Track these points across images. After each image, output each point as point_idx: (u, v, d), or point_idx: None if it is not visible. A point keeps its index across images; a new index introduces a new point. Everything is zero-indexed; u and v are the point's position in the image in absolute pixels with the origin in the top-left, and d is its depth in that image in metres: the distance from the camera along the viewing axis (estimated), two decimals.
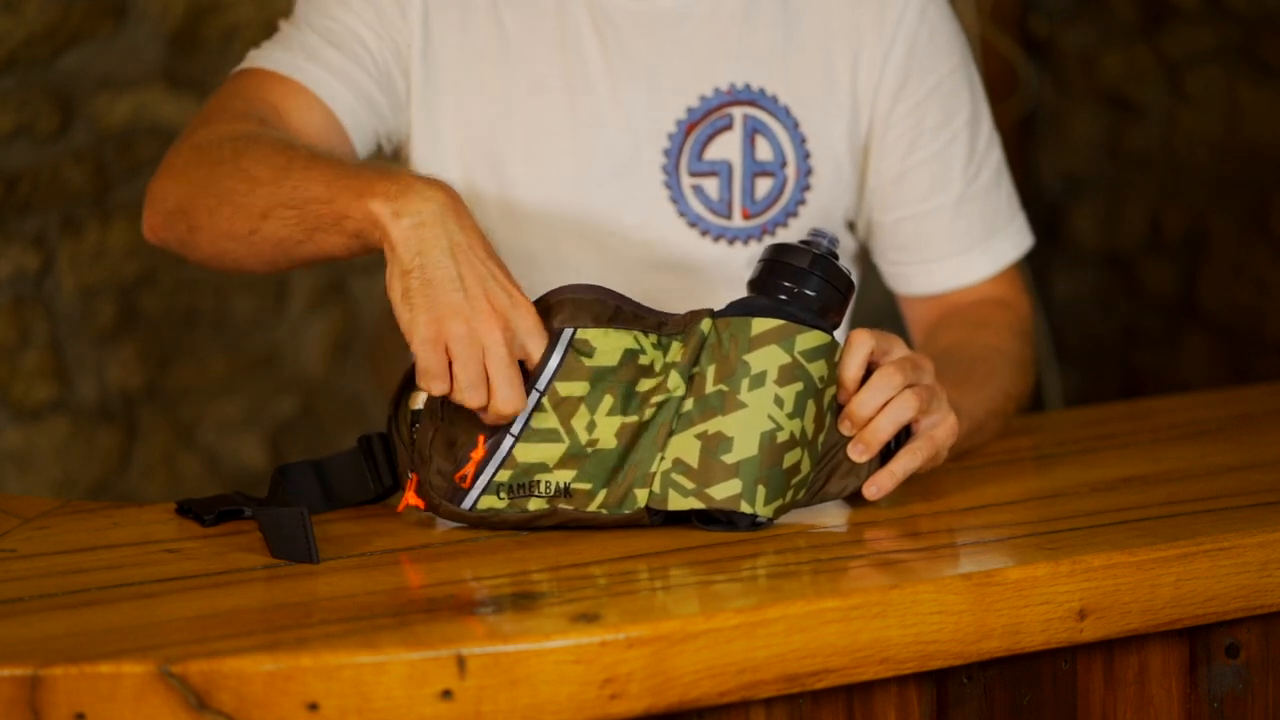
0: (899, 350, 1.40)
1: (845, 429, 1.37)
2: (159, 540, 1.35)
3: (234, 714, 1.09)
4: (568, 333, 1.31)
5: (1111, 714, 1.32)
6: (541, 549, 1.30)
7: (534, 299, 1.35)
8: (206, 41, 2.80)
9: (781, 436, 1.31)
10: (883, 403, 1.36)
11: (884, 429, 1.37)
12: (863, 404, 1.36)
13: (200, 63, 2.80)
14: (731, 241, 1.71)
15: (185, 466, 2.87)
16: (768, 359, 1.31)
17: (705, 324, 1.33)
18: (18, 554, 1.33)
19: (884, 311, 3.45)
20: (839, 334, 1.47)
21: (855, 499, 1.41)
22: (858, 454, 1.37)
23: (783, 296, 1.34)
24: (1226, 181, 2.90)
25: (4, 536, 1.37)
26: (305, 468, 1.40)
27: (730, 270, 1.70)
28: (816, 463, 1.35)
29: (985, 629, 1.22)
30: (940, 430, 1.40)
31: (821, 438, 1.35)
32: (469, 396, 1.30)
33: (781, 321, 1.32)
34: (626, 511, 1.32)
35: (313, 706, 1.09)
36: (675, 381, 1.32)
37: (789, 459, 1.32)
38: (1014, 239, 1.78)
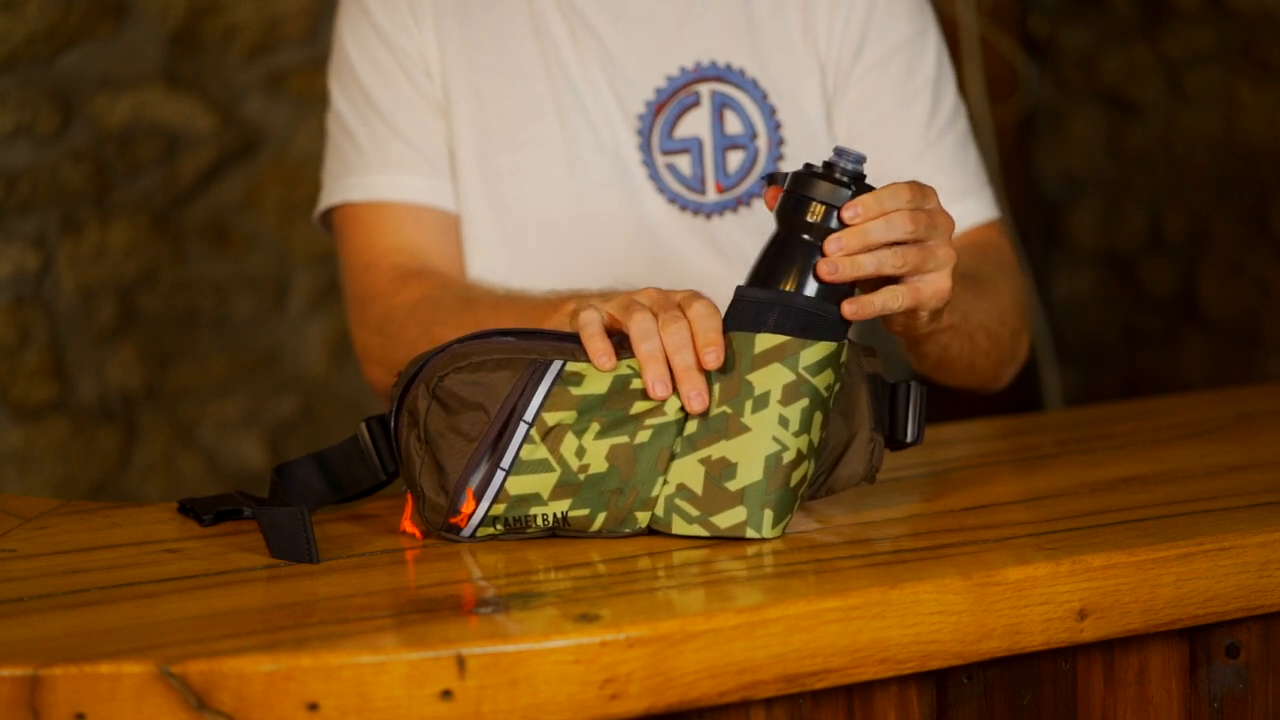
0: (929, 203, 1.34)
1: (832, 248, 1.29)
2: (159, 540, 1.35)
3: (234, 714, 1.09)
4: (557, 364, 1.30)
5: (1111, 714, 1.32)
6: (541, 548, 1.30)
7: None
8: (206, 41, 2.81)
9: (788, 456, 1.30)
10: (880, 242, 1.31)
11: (865, 266, 1.30)
12: (862, 235, 1.30)
13: (200, 63, 2.80)
14: (708, 215, 1.74)
15: (185, 466, 2.87)
16: (771, 378, 1.29)
17: None
18: (18, 554, 1.33)
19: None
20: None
21: (858, 493, 1.41)
22: (825, 270, 1.29)
23: (806, 236, 1.30)
24: (1226, 181, 2.90)
25: (4, 536, 1.37)
26: (306, 462, 1.40)
27: (709, 243, 1.73)
28: (820, 460, 1.35)
29: (985, 629, 1.22)
30: (928, 286, 1.34)
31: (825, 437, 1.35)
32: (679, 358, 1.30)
33: (785, 338, 1.30)
34: (627, 530, 1.32)
35: (313, 706, 1.09)
36: (673, 406, 1.30)
37: (796, 475, 1.31)
38: (988, 204, 1.79)
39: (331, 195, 1.78)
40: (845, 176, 1.31)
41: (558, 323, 1.44)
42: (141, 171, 2.77)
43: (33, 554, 1.33)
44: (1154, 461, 1.56)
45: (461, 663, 1.10)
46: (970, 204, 1.77)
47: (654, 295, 1.34)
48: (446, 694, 1.10)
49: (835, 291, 1.31)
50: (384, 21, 1.76)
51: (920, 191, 1.33)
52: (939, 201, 1.35)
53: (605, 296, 1.37)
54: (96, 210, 2.72)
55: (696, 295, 1.33)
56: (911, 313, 1.36)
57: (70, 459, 2.73)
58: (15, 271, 2.64)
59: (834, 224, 1.30)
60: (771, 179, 1.35)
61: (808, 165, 1.33)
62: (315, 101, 2.86)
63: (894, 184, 1.32)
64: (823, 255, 1.30)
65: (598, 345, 1.30)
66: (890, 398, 1.38)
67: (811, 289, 1.31)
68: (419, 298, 1.68)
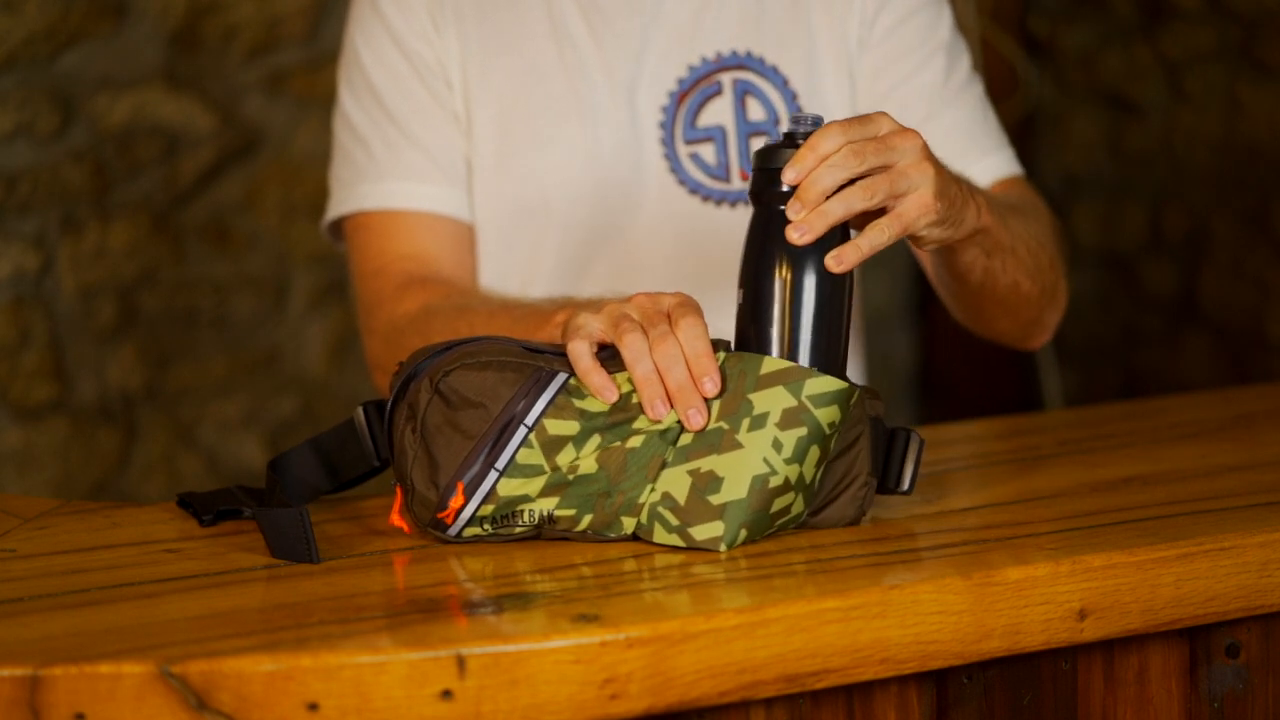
0: (878, 129, 1.31)
1: (791, 211, 1.28)
2: (159, 540, 1.35)
3: (234, 714, 1.09)
4: (561, 376, 1.30)
5: (1111, 714, 1.32)
6: (541, 549, 1.30)
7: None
8: (206, 41, 2.81)
9: (775, 481, 1.29)
10: (834, 185, 1.28)
11: (832, 213, 1.28)
12: (812, 185, 1.28)
13: (200, 63, 2.80)
14: (734, 204, 1.74)
15: (185, 466, 2.87)
16: (773, 400, 1.29)
17: (719, 356, 1.31)
18: (18, 554, 1.33)
19: (884, 313, 3.46)
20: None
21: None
22: (797, 236, 1.28)
23: (781, 207, 1.28)
24: (1226, 181, 2.90)
25: (4, 536, 1.37)
26: (301, 450, 1.40)
27: (733, 234, 1.72)
28: (811, 500, 1.33)
29: (985, 629, 1.22)
30: (909, 206, 1.32)
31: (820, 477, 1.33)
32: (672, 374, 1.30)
33: (792, 364, 1.29)
34: (612, 535, 1.32)
35: (313, 706, 1.09)
36: (671, 415, 1.30)
37: (778, 504, 1.30)
38: (1009, 161, 1.79)
39: (343, 203, 1.77)
40: (804, 141, 1.30)
41: (549, 334, 1.44)
42: (141, 171, 2.77)
43: (33, 554, 1.33)
44: (1154, 461, 1.56)
45: (461, 663, 1.10)
46: (992, 160, 1.77)
47: (643, 305, 1.33)
48: (446, 694, 1.10)
49: (822, 253, 1.29)
50: (401, 28, 1.75)
51: (859, 124, 1.30)
52: (893, 123, 1.32)
53: (595, 305, 1.37)
54: (96, 210, 2.72)
55: (685, 307, 1.32)
56: (916, 238, 1.35)
57: (70, 459, 2.73)
58: (15, 271, 2.64)
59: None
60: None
61: (768, 139, 1.31)
62: (315, 101, 2.86)
63: (824, 126, 1.30)
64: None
65: (595, 381, 1.30)
66: (888, 444, 1.37)
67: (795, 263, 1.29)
68: (421, 306, 1.68)
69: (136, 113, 2.75)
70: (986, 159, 1.77)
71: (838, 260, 1.30)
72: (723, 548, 1.29)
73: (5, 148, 2.61)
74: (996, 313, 1.69)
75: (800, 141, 1.30)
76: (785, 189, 1.29)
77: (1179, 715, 1.33)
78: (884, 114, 1.33)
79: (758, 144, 1.74)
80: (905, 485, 1.36)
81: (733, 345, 1.33)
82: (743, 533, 1.29)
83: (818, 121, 1.31)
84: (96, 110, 2.71)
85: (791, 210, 1.28)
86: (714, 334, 1.33)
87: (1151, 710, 1.32)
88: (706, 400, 1.29)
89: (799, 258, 1.30)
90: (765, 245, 1.31)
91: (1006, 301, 1.65)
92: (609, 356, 1.32)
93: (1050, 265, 1.67)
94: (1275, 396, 1.96)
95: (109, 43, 2.71)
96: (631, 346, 1.30)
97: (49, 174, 2.66)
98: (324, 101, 1.81)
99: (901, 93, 1.76)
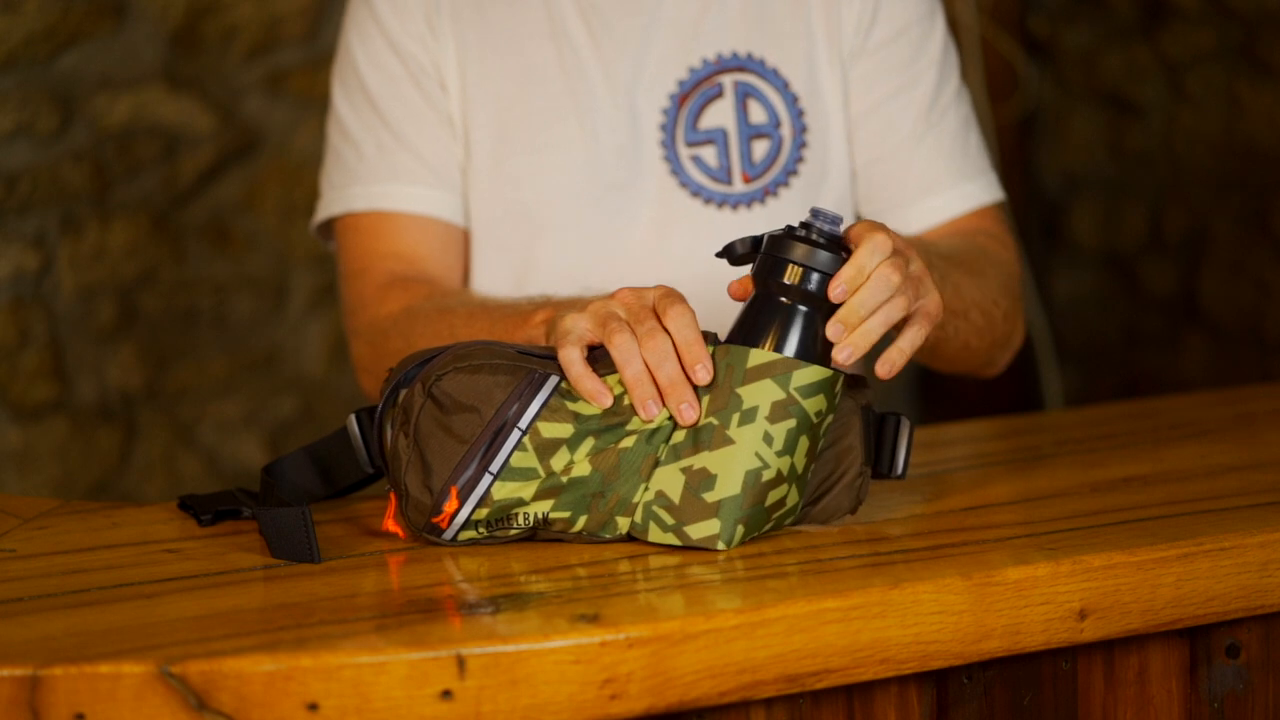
0: (890, 240, 1.33)
1: (834, 333, 1.29)
2: (159, 540, 1.35)
3: (234, 714, 1.09)
4: (554, 379, 1.30)
5: (1111, 714, 1.32)
6: (541, 550, 1.30)
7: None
8: (206, 41, 2.81)
9: (768, 475, 1.29)
10: (878, 305, 1.30)
11: (875, 331, 1.30)
12: (858, 308, 1.29)
13: (200, 63, 2.80)
14: (735, 207, 1.74)
15: (185, 466, 2.87)
16: (761, 394, 1.29)
17: (708, 350, 1.31)
18: (18, 554, 1.33)
19: None
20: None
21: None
22: (845, 356, 1.29)
23: (783, 299, 1.31)
24: (1226, 181, 2.90)
25: (4, 536, 1.37)
26: (296, 457, 1.39)
27: (735, 236, 1.72)
28: (805, 492, 1.33)
29: (985, 629, 1.22)
30: (931, 306, 1.35)
31: (813, 468, 1.33)
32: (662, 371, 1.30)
33: (779, 356, 1.29)
34: (607, 536, 1.32)
35: (313, 706, 1.09)
36: (663, 414, 1.30)
37: (773, 496, 1.30)
38: (988, 188, 1.79)
39: (333, 205, 1.76)
40: (821, 238, 1.30)
41: (528, 334, 1.44)
42: (141, 171, 2.77)
43: (33, 554, 1.33)
44: (1154, 461, 1.56)
45: (461, 663, 1.10)
46: (968, 188, 1.77)
47: (629, 300, 1.33)
48: (446, 694, 1.10)
49: (818, 342, 1.30)
50: (396, 29, 1.74)
51: (883, 228, 1.31)
52: (887, 227, 1.33)
53: (578, 304, 1.36)
54: (96, 210, 2.73)
55: (671, 298, 1.32)
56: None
57: (70, 459, 2.73)
58: (15, 271, 2.64)
59: (811, 287, 1.29)
60: (728, 251, 1.33)
61: (788, 227, 1.31)
62: (315, 101, 2.86)
63: (867, 238, 1.29)
64: (803, 318, 1.29)
65: (587, 386, 1.30)
66: (878, 430, 1.37)
67: (790, 354, 1.30)
68: (403, 308, 1.67)
69: (136, 113, 2.75)
70: (966, 185, 1.77)
71: (888, 368, 1.31)
72: (721, 545, 1.29)
73: (5, 148, 2.61)
74: (944, 367, 1.74)
75: (815, 237, 1.30)
76: (787, 281, 1.29)
77: (1179, 715, 1.33)
78: (880, 224, 1.33)
79: (759, 147, 1.74)
80: (899, 469, 1.37)
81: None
82: (740, 529, 1.29)
83: (835, 220, 1.30)
84: (96, 110, 2.71)
85: (832, 331, 1.29)
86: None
87: (1151, 710, 1.32)
88: (697, 396, 1.29)
89: (798, 346, 1.30)
90: (762, 327, 1.30)
91: (955, 359, 1.70)
92: (598, 357, 1.32)
93: (1003, 318, 1.69)
94: (1275, 396, 1.97)
95: (109, 43, 2.71)
96: (621, 347, 1.30)
97: (49, 174, 2.66)
98: (324, 101, 1.80)
99: (889, 109, 1.76)
